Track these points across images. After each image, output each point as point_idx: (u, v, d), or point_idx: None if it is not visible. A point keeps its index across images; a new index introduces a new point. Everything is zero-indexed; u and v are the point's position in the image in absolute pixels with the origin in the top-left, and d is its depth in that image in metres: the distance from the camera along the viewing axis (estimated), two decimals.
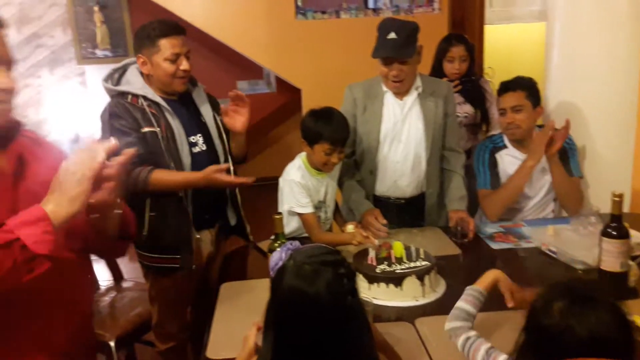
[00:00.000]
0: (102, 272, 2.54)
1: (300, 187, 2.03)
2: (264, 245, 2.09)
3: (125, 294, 2.44)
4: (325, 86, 3.47)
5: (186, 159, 1.96)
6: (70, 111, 5.31)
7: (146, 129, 1.89)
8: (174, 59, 1.91)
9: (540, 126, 2.36)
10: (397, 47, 2.03)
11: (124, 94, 1.93)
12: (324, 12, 3.67)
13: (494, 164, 2.33)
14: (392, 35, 2.02)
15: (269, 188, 2.25)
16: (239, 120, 2.07)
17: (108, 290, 2.47)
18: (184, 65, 1.94)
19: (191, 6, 3.68)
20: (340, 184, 2.26)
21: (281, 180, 2.13)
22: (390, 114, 2.20)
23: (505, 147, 2.34)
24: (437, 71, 2.83)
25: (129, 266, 3.96)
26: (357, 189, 2.24)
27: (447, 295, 1.70)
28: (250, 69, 4.79)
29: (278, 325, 1.02)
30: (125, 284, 2.54)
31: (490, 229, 2.21)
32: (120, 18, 5.11)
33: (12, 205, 1.09)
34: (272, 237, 1.67)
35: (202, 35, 3.83)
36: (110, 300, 2.38)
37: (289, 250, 1.08)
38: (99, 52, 5.15)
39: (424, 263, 1.71)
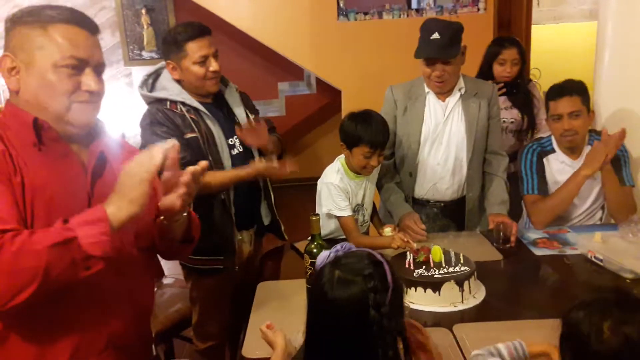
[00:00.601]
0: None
1: (338, 190, 2.02)
2: (301, 246, 2.10)
3: (165, 291, 2.48)
4: (365, 88, 3.45)
5: (227, 162, 1.98)
6: (118, 111, 5.48)
7: (189, 135, 1.90)
8: (203, 61, 1.90)
9: (592, 131, 2.26)
10: (440, 47, 1.99)
11: (161, 101, 1.93)
12: (366, 13, 3.65)
13: (541, 168, 2.25)
14: (436, 35, 1.99)
15: (307, 189, 2.25)
16: (255, 140, 2.03)
17: None
18: (213, 66, 1.93)
19: (235, 8, 3.73)
20: (379, 186, 2.24)
21: (319, 183, 2.12)
22: (431, 115, 2.16)
23: (553, 151, 2.25)
24: (485, 74, 2.76)
25: (169, 263, 4.06)
26: (396, 191, 2.21)
27: (487, 302, 1.66)
28: (291, 71, 4.82)
29: (310, 326, 1.03)
30: (165, 281, 2.59)
31: (534, 234, 2.14)
32: (166, 20, 5.23)
33: (87, 198, 1.16)
34: (309, 238, 1.67)
35: (244, 37, 3.88)
36: None
37: (337, 251, 1.10)
38: (145, 54, 5.28)
39: (463, 268, 1.67)
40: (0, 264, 0.95)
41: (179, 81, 1.96)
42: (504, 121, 2.66)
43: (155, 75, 2.02)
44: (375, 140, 1.95)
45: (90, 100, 1.18)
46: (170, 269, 2.98)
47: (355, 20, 3.64)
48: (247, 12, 3.71)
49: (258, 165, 1.91)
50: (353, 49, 3.64)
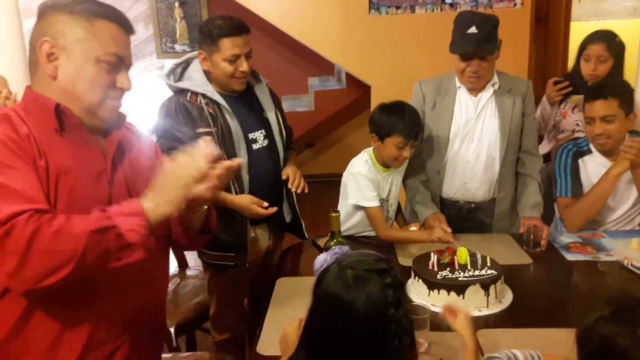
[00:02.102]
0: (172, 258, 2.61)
1: (367, 180, 1.98)
2: (322, 242, 2.07)
3: (188, 282, 2.49)
4: (395, 83, 3.39)
5: (244, 158, 1.94)
6: (150, 103, 5.55)
7: (201, 130, 1.87)
8: (233, 60, 1.87)
9: (633, 132, 2.14)
10: (478, 42, 1.91)
11: (183, 91, 1.91)
12: (398, 7, 3.57)
13: (576, 170, 2.14)
14: (473, 29, 1.91)
15: (335, 184, 2.21)
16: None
17: (172, 277, 2.53)
18: (243, 66, 1.89)
19: (266, 3, 3.71)
20: (404, 184, 2.18)
21: (345, 174, 2.08)
22: (462, 110, 2.08)
23: (590, 152, 2.14)
24: (576, 71, 2.53)
25: (194, 254, 4.09)
26: (422, 190, 2.15)
27: (513, 307, 1.60)
28: (321, 66, 4.78)
29: (313, 330, 0.98)
30: (189, 272, 2.60)
31: (567, 238, 2.06)
32: (199, 14, 5.26)
33: (108, 186, 1.18)
34: (329, 234, 1.63)
35: (275, 31, 3.86)
36: (174, 288, 2.43)
37: (335, 254, 1.05)
38: (178, 47, 5.33)
39: (490, 272, 1.61)
40: (38, 244, 0.96)
41: (207, 72, 1.93)
42: (577, 124, 2.49)
43: (185, 64, 2.01)
44: (410, 129, 1.92)
45: (121, 97, 1.22)
46: (197, 259, 2.99)
47: (387, 14, 3.58)
48: (278, 6, 3.69)
49: (241, 201, 1.89)
50: (384, 43, 3.58)
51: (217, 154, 1.11)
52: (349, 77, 4.91)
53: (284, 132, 2.08)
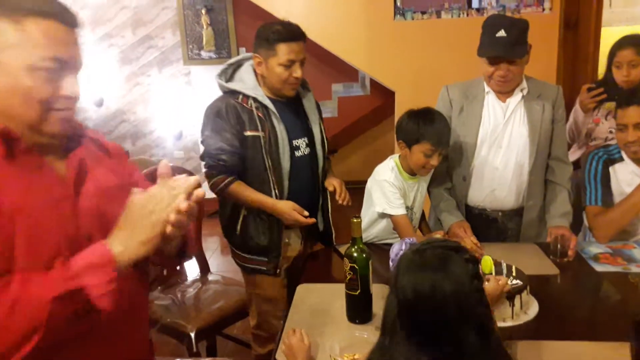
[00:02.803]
0: (190, 264, 2.63)
1: (393, 188, 1.96)
2: (343, 249, 2.04)
3: (209, 287, 2.49)
4: (420, 89, 3.35)
5: (286, 164, 1.96)
6: (176, 109, 5.62)
7: (249, 133, 1.90)
8: (289, 65, 1.89)
9: None
10: (507, 45, 1.87)
11: (234, 93, 1.93)
12: (423, 12, 3.54)
13: (607, 178, 2.08)
14: (502, 33, 1.87)
15: (357, 192, 2.19)
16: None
17: (194, 281, 2.54)
18: (297, 72, 1.91)
19: (292, 9, 3.72)
20: (428, 191, 2.15)
21: (370, 181, 2.06)
22: (490, 116, 2.04)
23: (622, 159, 2.07)
24: (608, 78, 2.48)
25: (218, 259, 4.11)
26: (447, 197, 2.11)
27: (539, 319, 1.55)
28: (346, 72, 4.77)
29: (405, 315, 0.98)
30: (211, 277, 2.60)
31: (596, 249, 1.99)
32: (225, 21, 5.31)
33: (73, 213, 1.01)
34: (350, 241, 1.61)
35: None
36: (195, 292, 2.43)
37: (406, 243, 1.08)
38: (204, 54, 5.39)
39: (515, 281, 1.56)
40: None
41: (261, 76, 1.95)
42: (611, 132, 2.42)
43: (237, 65, 2.03)
44: (439, 137, 1.90)
45: (69, 107, 1.01)
46: (219, 265, 3.00)
47: (412, 19, 3.55)
48: (303, 12, 3.70)
49: (284, 206, 1.91)
50: (409, 49, 3.55)
51: (196, 182, 0.98)
52: (373, 83, 4.89)
53: (325, 142, 2.10)
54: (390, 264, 1.11)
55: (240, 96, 1.92)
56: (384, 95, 4.73)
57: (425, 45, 3.53)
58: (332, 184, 2.06)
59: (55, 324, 0.86)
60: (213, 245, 4.39)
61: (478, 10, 3.54)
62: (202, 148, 2.00)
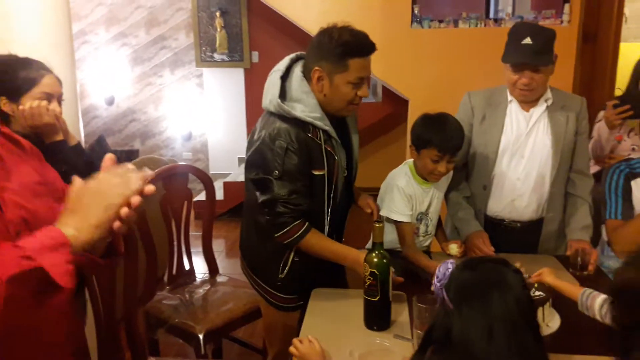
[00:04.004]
0: (199, 265, 2.60)
1: (402, 194, 1.91)
2: None
3: (218, 288, 2.46)
4: (434, 98, 3.32)
5: (339, 196, 1.76)
6: (186, 110, 5.62)
7: (316, 172, 1.67)
8: (358, 83, 1.64)
9: None
10: (532, 53, 1.85)
11: (303, 124, 1.63)
12: (441, 21, 3.53)
13: (628, 192, 2.04)
14: (528, 40, 1.85)
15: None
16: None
17: (203, 282, 2.51)
18: (364, 91, 1.67)
19: (308, 13, 3.71)
20: (447, 198, 2.11)
21: (383, 185, 2.02)
22: (513, 125, 2.01)
23: None
24: (632, 94, 2.45)
25: (224, 262, 4.08)
26: (465, 206, 2.08)
27: (562, 332, 1.51)
28: None
29: (456, 332, 1.00)
30: (219, 279, 2.57)
31: (615, 263, 1.96)
32: (239, 24, 5.32)
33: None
34: (369, 247, 1.57)
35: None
36: (204, 293, 2.40)
37: (452, 262, 1.12)
38: (217, 56, 5.40)
39: (537, 293, 1.53)
40: None
41: (316, 91, 1.66)
42: (633, 148, 2.40)
43: (284, 73, 1.70)
44: (446, 143, 1.82)
45: None
46: (225, 267, 2.98)
47: (430, 27, 3.54)
48: (319, 18, 3.67)
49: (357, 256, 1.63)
50: (425, 57, 3.53)
51: (151, 176, 0.94)
52: (385, 90, 4.87)
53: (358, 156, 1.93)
54: (436, 283, 1.11)
55: (311, 128, 1.64)
56: (395, 103, 4.71)
57: (442, 54, 3.51)
58: (370, 204, 1.89)
59: (13, 306, 0.82)
60: (219, 248, 4.36)
61: (496, 20, 3.53)
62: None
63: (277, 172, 1.62)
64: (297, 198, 1.64)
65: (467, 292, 1.02)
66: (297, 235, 1.66)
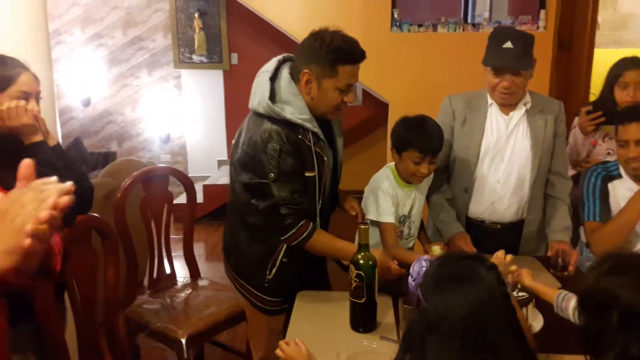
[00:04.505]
0: (179, 268, 2.56)
1: (385, 195, 1.92)
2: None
3: (200, 292, 2.43)
4: (414, 101, 3.35)
5: (325, 199, 1.78)
6: (164, 112, 5.55)
7: (308, 174, 1.67)
8: (345, 90, 1.65)
9: None
10: (513, 57, 1.88)
11: (293, 126, 1.63)
12: (420, 25, 3.57)
13: (605, 194, 2.09)
14: (508, 44, 1.88)
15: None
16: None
17: (184, 286, 2.47)
18: (350, 97, 1.68)
19: (288, 16, 3.71)
20: (428, 201, 2.13)
21: (366, 189, 2.03)
22: (493, 128, 2.05)
23: (620, 176, 2.09)
24: (606, 99, 2.47)
25: (204, 265, 4.04)
26: (447, 208, 2.10)
27: (544, 333, 1.53)
28: None
29: (439, 334, 0.98)
30: (201, 282, 2.54)
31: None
32: (218, 25, 5.28)
33: None
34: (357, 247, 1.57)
35: (292, 44, 3.85)
36: (185, 297, 2.37)
37: (426, 260, 1.10)
38: (195, 58, 5.35)
39: (521, 294, 1.55)
40: None
41: (303, 93, 1.67)
42: (609, 152, 2.43)
43: (271, 74, 1.69)
44: (427, 145, 1.84)
45: None
46: (205, 271, 2.95)
47: (409, 31, 3.57)
48: (300, 18, 3.69)
49: (378, 256, 1.60)
50: (404, 61, 3.56)
51: (70, 189, 0.83)
52: (365, 94, 4.89)
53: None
54: (411, 282, 1.10)
55: (301, 130, 1.65)
56: (375, 106, 4.74)
57: (421, 57, 3.55)
58: (354, 207, 1.90)
59: None
60: (199, 251, 4.31)
61: (474, 25, 3.58)
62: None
63: (272, 174, 1.61)
64: (299, 197, 1.65)
65: (439, 286, 1.00)
66: (304, 235, 1.66)
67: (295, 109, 1.64)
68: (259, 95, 1.66)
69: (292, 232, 1.66)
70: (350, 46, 1.64)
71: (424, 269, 1.06)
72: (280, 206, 1.63)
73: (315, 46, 1.62)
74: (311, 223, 1.69)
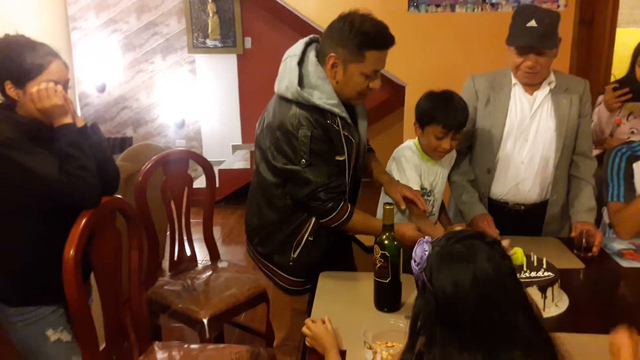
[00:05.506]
0: (198, 251, 2.58)
1: (409, 163, 1.91)
2: (363, 239, 2.01)
3: (220, 274, 2.45)
4: (431, 82, 3.27)
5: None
6: (179, 97, 5.56)
7: (338, 158, 1.67)
8: (371, 75, 1.63)
9: None
10: (537, 36, 1.84)
11: (321, 111, 1.62)
12: (438, 6, 3.51)
13: (630, 175, 2.06)
14: (532, 23, 1.84)
15: (365, 184, 2.14)
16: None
17: (204, 268, 2.49)
18: (376, 83, 1.66)
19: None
20: (450, 181, 2.11)
21: (390, 160, 2.02)
22: (517, 108, 2.01)
23: None
24: (631, 77, 2.45)
25: (221, 249, 4.06)
26: (469, 189, 2.08)
27: (569, 312, 1.53)
28: None
29: (448, 316, 0.96)
30: (221, 264, 2.56)
31: (618, 245, 1.98)
32: (231, 9, 5.26)
33: None
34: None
35: (307, 28, 3.82)
36: (206, 279, 2.39)
37: (429, 242, 1.05)
38: (209, 42, 5.33)
39: (547, 274, 1.54)
40: None
41: (329, 77, 1.64)
42: (633, 132, 2.40)
43: (299, 59, 1.65)
44: (451, 120, 1.83)
45: None
46: (223, 254, 2.97)
47: (427, 12, 3.52)
48: (315, 2, 3.64)
49: (407, 230, 1.63)
50: (422, 42, 3.51)
51: None
52: (381, 76, 4.85)
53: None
54: (415, 267, 1.07)
55: (329, 115, 1.63)
56: (391, 89, 4.70)
57: (439, 38, 3.50)
58: (404, 191, 1.81)
59: None
60: (215, 235, 4.33)
61: (492, 5, 3.51)
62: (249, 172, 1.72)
63: (304, 160, 1.61)
64: (336, 179, 1.66)
65: (444, 267, 0.97)
66: (344, 217, 1.68)
67: (323, 94, 1.62)
68: (286, 81, 1.64)
69: (333, 215, 1.67)
70: (379, 31, 1.60)
71: (426, 252, 1.02)
72: (320, 192, 1.63)
73: (344, 29, 1.58)
74: (349, 205, 1.69)
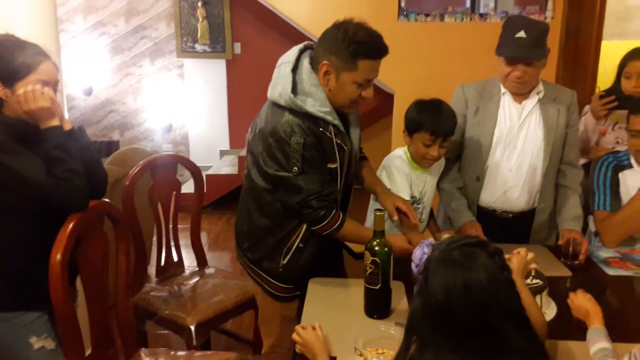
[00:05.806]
0: (184, 257, 2.56)
1: (399, 172, 1.92)
2: (353, 246, 2.01)
3: (207, 280, 2.43)
4: (420, 90, 3.29)
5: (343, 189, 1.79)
6: (166, 101, 5.53)
7: (330, 165, 1.67)
8: (364, 84, 1.63)
9: None
10: (526, 46, 1.87)
11: (314, 119, 1.61)
12: (427, 15, 3.55)
13: (616, 184, 2.09)
14: (521, 33, 1.87)
15: (355, 192, 2.14)
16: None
17: (192, 274, 2.47)
18: (369, 92, 1.65)
19: (294, 5, 3.67)
20: (439, 189, 2.13)
21: (380, 169, 2.03)
22: (506, 117, 2.04)
23: (631, 166, 2.09)
24: (616, 88, 2.49)
25: (209, 254, 4.03)
26: (458, 196, 2.09)
27: (557, 320, 1.54)
28: None
29: (439, 321, 0.97)
30: (208, 270, 2.54)
31: (605, 253, 2.00)
32: (221, 14, 5.25)
33: None
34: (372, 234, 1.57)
35: (297, 34, 3.83)
36: (193, 285, 2.37)
37: (429, 245, 1.04)
38: (198, 47, 5.32)
39: (535, 281, 1.55)
40: None
41: (322, 85, 1.64)
42: (617, 142, 2.44)
43: (293, 65, 1.65)
44: (438, 127, 1.84)
45: None
46: (210, 260, 2.94)
47: (416, 21, 3.55)
48: (306, 9, 3.66)
49: (397, 241, 1.62)
50: (411, 50, 3.54)
51: None
52: None
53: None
54: (414, 269, 1.08)
55: (322, 123, 1.63)
56: (379, 97, 4.72)
57: (428, 47, 3.53)
58: (397, 202, 1.81)
59: None
60: (202, 240, 4.30)
61: (481, 15, 3.56)
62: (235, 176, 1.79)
63: (296, 168, 1.61)
64: (328, 187, 1.66)
65: (440, 271, 0.97)
66: (336, 225, 1.68)
67: (316, 102, 1.62)
68: (280, 87, 1.63)
69: (325, 222, 1.67)
70: (373, 40, 1.60)
71: (426, 255, 1.03)
72: (312, 199, 1.63)
73: (337, 37, 1.58)
74: (341, 213, 1.69)
